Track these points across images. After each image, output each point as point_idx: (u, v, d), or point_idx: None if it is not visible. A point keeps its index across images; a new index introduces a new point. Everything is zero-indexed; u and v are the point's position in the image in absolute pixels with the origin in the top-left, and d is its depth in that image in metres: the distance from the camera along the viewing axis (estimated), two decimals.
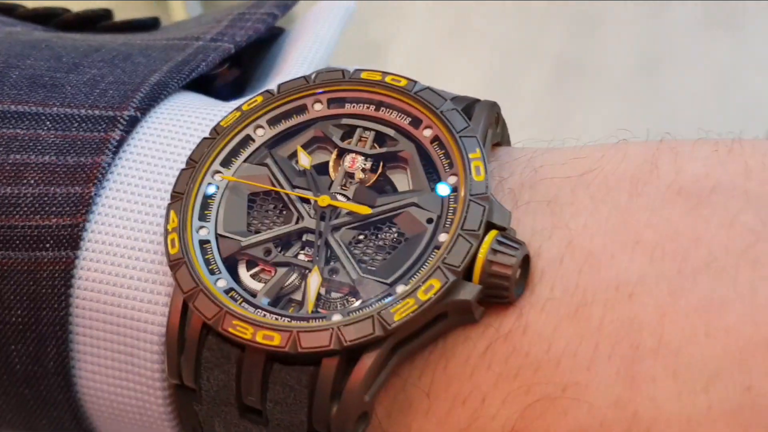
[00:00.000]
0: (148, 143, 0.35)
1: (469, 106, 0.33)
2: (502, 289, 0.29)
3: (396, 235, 0.31)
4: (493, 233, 0.30)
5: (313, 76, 0.34)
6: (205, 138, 0.33)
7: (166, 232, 0.32)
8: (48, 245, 0.33)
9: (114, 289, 0.33)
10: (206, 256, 0.32)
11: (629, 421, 0.27)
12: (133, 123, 0.35)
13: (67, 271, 0.33)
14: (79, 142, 0.34)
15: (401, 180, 0.32)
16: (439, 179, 0.32)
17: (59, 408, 0.35)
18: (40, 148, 0.34)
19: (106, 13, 0.44)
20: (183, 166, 0.34)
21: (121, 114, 0.35)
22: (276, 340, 0.29)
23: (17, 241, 0.33)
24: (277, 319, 0.30)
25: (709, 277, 0.28)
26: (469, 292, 0.29)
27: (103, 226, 0.33)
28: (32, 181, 0.34)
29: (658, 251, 0.29)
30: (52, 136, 0.35)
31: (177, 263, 0.31)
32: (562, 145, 0.35)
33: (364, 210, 0.31)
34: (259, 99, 0.34)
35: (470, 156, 0.31)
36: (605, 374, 0.28)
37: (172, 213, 0.32)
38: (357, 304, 0.30)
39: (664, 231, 0.30)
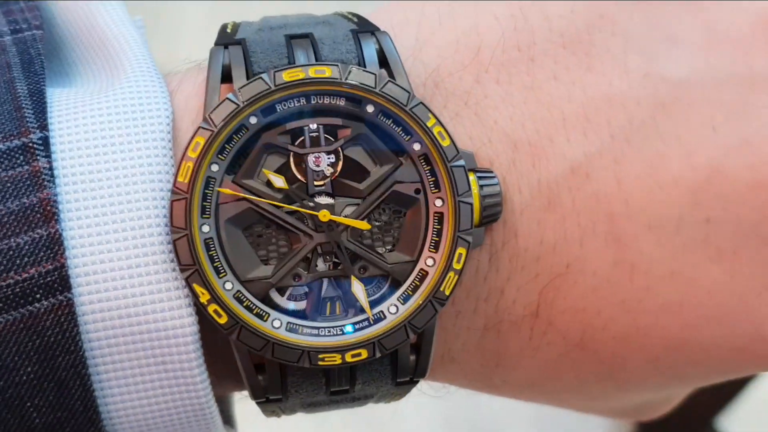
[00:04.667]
0: (81, 159, 0.34)
1: (383, 61, 0.36)
2: (496, 213, 0.35)
3: (393, 212, 0.36)
4: (472, 175, 0.35)
5: (240, 97, 0.34)
6: (173, 201, 0.34)
7: (196, 306, 0.34)
8: (39, 295, 0.33)
9: (127, 311, 0.34)
10: (244, 304, 0.34)
11: (629, 273, 0.36)
12: (47, 144, 0.33)
13: (71, 312, 0.33)
14: (9, 185, 0.33)
15: (360, 154, 0.35)
16: (399, 147, 0.35)
17: None
18: None
19: None
20: (132, 173, 0.34)
21: (29, 138, 0.33)
22: (363, 354, 0.34)
23: (0, 304, 0.32)
24: (342, 331, 0.35)
25: (638, 136, 0.36)
26: (480, 236, 0.35)
27: (85, 258, 0.33)
28: None
29: (585, 123, 0.36)
30: None
31: (232, 329, 0.34)
32: None
33: (364, 226, 0.35)
34: (201, 140, 0.34)
35: (428, 124, 0.35)
36: (596, 244, 0.36)
37: (195, 286, 0.34)
38: (403, 288, 0.35)
39: (578, 99, 0.36)
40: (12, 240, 0.32)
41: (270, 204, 0.35)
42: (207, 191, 0.34)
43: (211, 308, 0.34)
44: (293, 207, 0.35)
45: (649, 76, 0.36)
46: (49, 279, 0.33)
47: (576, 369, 0.38)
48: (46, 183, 0.33)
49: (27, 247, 0.32)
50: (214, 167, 0.34)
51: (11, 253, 0.32)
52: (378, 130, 0.35)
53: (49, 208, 0.33)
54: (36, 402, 0.34)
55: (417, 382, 0.37)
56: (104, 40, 0.37)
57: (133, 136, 0.34)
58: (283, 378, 0.35)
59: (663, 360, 0.37)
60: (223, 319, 0.34)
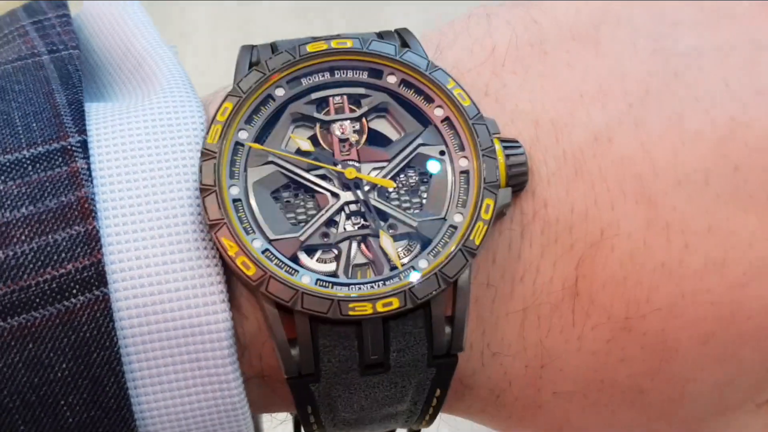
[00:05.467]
0: (118, 161, 0.35)
1: (403, 42, 0.38)
2: (523, 175, 0.35)
3: (419, 174, 0.36)
4: (497, 141, 0.36)
5: (266, 65, 0.36)
6: (203, 161, 0.34)
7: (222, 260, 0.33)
8: (75, 290, 0.33)
9: (162, 306, 0.34)
10: (273, 261, 0.34)
11: (665, 233, 0.35)
12: (85, 148, 0.34)
13: (107, 307, 0.33)
14: (47, 184, 0.33)
15: (383, 125, 0.36)
16: (422, 116, 0.36)
17: None
18: (9, 203, 0.33)
19: None
20: (167, 174, 0.34)
21: (68, 142, 0.34)
22: (395, 303, 0.33)
23: (37, 300, 0.32)
24: (373, 287, 0.34)
25: (656, 102, 0.37)
26: (507, 195, 0.35)
27: (121, 254, 0.34)
28: (23, 237, 0.33)
29: (602, 97, 0.37)
30: (14, 187, 0.33)
31: (260, 281, 0.33)
32: None
33: (389, 184, 0.35)
34: (229, 105, 0.35)
35: (448, 87, 0.36)
36: (627, 206, 0.35)
37: (223, 239, 0.33)
38: (434, 245, 0.35)
39: (593, 78, 0.37)
40: (50, 236, 0.33)
41: (297, 161, 0.35)
42: (235, 157, 0.35)
43: (240, 260, 0.33)
44: (320, 164, 0.35)
45: (657, 52, 0.38)
46: (86, 274, 0.33)
47: (626, 364, 0.36)
48: (84, 182, 0.34)
49: (64, 243, 0.33)
50: (243, 134, 0.35)
51: (49, 248, 0.33)
52: (400, 101, 0.36)
53: (86, 205, 0.33)
54: (70, 400, 0.33)
55: (455, 359, 0.35)
56: (140, 61, 0.39)
57: (168, 140, 0.36)
58: (314, 342, 0.34)
59: (717, 337, 0.36)
60: (251, 271, 0.33)
